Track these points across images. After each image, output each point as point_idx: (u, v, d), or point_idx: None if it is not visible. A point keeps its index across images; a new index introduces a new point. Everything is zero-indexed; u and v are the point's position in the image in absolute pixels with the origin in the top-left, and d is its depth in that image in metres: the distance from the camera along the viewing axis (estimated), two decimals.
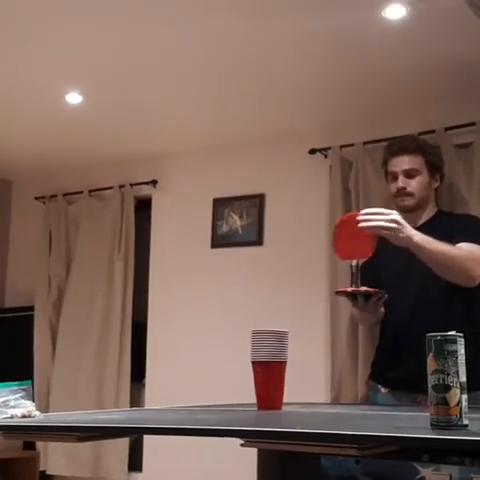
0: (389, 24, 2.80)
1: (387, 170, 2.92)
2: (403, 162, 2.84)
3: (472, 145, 3.36)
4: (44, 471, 4.21)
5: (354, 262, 2.57)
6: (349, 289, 2.60)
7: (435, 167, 2.90)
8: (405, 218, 2.88)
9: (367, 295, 2.59)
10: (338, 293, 2.73)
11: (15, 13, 2.78)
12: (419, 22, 2.78)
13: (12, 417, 1.63)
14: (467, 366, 1.31)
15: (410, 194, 2.83)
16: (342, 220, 2.69)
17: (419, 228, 2.85)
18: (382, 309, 2.78)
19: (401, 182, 2.82)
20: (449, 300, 2.72)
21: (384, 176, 2.96)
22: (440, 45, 2.97)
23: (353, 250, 2.56)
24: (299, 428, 1.24)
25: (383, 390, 2.77)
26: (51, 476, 4.30)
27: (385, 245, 2.75)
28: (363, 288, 2.58)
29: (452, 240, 2.60)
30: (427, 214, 2.89)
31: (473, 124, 3.33)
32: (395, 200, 2.90)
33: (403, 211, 2.88)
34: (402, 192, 2.83)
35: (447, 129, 3.38)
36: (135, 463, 4.15)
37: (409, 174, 2.83)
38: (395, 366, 2.75)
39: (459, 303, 2.73)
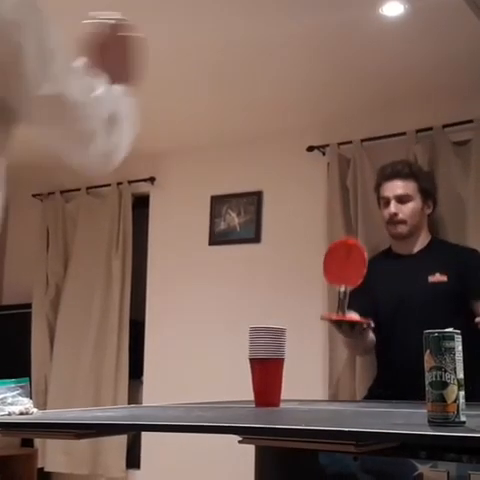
0: (387, 21, 2.80)
1: (379, 195, 2.91)
2: (396, 187, 2.83)
3: (469, 142, 3.37)
4: (42, 468, 4.21)
5: (343, 288, 2.54)
6: (334, 317, 2.59)
7: (428, 193, 2.89)
8: (399, 246, 2.89)
9: (352, 324, 2.57)
10: (323, 319, 2.72)
11: None
12: (417, 19, 2.78)
13: (10, 414, 1.63)
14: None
15: (402, 221, 2.82)
16: (334, 245, 2.71)
17: (414, 256, 2.85)
18: (372, 336, 2.77)
19: (393, 208, 2.81)
20: (445, 322, 2.70)
21: (376, 202, 2.95)
22: (438, 42, 2.97)
23: (343, 276, 2.55)
24: (303, 425, 1.24)
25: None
26: (49, 473, 4.30)
27: (379, 272, 2.75)
28: (348, 316, 2.56)
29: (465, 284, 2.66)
30: (421, 241, 2.89)
31: (471, 121, 3.33)
32: (388, 227, 2.89)
33: (396, 239, 2.89)
34: (394, 219, 2.82)
35: (445, 126, 3.38)
36: (133, 460, 4.15)
37: (401, 200, 2.82)
38: (392, 386, 2.72)
39: (466, 335, 2.72)
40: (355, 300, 2.61)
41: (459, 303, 2.75)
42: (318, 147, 3.77)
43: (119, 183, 4.42)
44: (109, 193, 4.45)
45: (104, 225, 4.40)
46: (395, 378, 2.77)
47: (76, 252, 4.48)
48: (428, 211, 2.92)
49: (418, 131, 3.44)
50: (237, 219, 4.08)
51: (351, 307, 2.71)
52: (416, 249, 2.88)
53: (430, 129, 3.41)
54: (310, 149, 3.78)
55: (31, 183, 4.76)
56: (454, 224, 3.27)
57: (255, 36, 2.96)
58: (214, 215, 4.15)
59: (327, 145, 3.75)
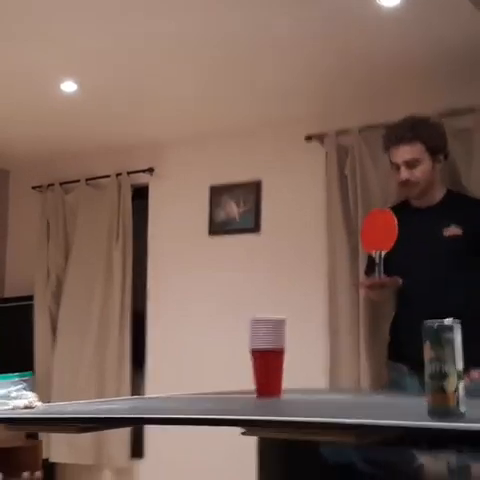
0: (384, 11, 2.79)
1: (389, 157, 2.91)
2: (403, 152, 2.82)
3: (470, 130, 3.35)
4: (47, 459, 4.24)
5: (378, 253, 2.69)
6: (366, 282, 2.81)
7: (437, 149, 2.87)
8: (414, 200, 2.93)
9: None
10: (356, 285, 2.85)
11: (9, 1, 2.77)
12: (414, 8, 2.78)
13: (14, 409, 1.65)
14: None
15: (415, 184, 2.84)
16: (373, 213, 2.88)
17: (432, 208, 2.87)
18: (399, 279, 2.80)
19: (404, 174, 2.82)
20: (465, 281, 2.74)
21: (389, 161, 2.95)
22: (435, 31, 2.96)
23: (376, 242, 2.71)
24: (305, 416, 1.25)
25: (405, 369, 2.78)
26: (54, 464, 4.33)
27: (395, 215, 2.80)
28: (381, 279, 2.69)
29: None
30: (437, 194, 2.90)
31: (469, 109, 3.32)
32: (400, 189, 2.93)
33: (411, 198, 2.91)
34: (406, 183, 2.85)
35: (443, 115, 3.38)
36: (137, 450, 4.18)
37: (411, 164, 2.82)
38: (410, 341, 2.75)
39: (476, 284, 2.77)
40: (372, 262, 2.77)
41: (475, 256, 2.77)
42: (317, 136, 3.77)
43: (118, 174, 4.42)
44: (108, 184, 4.45)
45: (104, 216, 4.40)
46: (411, 329, 2.81)
47: (76, 243, 4.49)
48: (439, 166, 2.90)
49: None
50: (236, 209, 4.08)
51: (371, 264, 2.87)
52: (433, 202, 2.90)
53: (428, 118, 3.40)
54: (308, 138, 3.78)
55: (31, 175, 4.76)
56: None
57: (253, 26, 2.96)
58: (213, 205, 4.15)
59: (325, 134, 3.74)
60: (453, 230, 2.78)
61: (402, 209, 2.93)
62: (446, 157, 2.95)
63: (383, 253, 2.67)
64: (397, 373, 2.84)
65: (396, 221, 2.70)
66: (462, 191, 3.18)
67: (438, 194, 2.90)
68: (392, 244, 2.66)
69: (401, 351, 2.85)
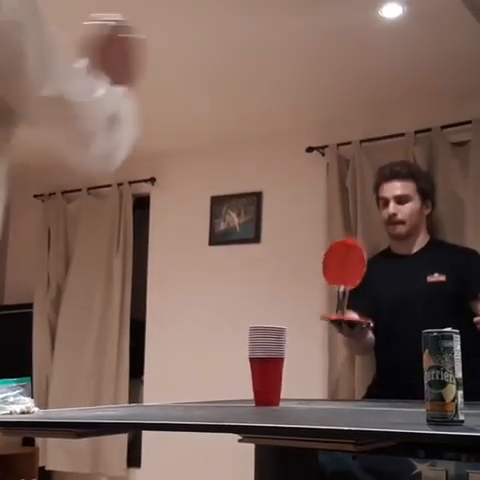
0: (386, 23, 2.81)
1: (378, 195, 2.92)
2: (394, 188, 2.84)
3: (468, 143, 3.38)
4: (43, 467, 4.23)
5: (342, 288, 2.56)
6: (333, 317, 2.61)
7: (426, 193, 2.90)
8: (398, 246, 2.90)
9: (352, 323, 2.58)
10: (323, 319, 2.72)
11: None
12: (416, 21, 2.80)
13: (11, 413, 1.64)
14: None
15: (401, 222, 2.84)
16: (333, 245, 2.73)
17: (413, 256, 2.87)
18: (371, 336, 2.78)
19: (392, 209, 2.83)
20: (443, 322, 2.71)
21: (375, 202, 2.96)
22: (436, 44, 2.98)
23: (342, 276, 2.57)
24: (303, 424, 1.25)
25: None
26: (50, 472, 4.31)
27: (379, 272, 2.76)
28: (347, 316, 2.57)
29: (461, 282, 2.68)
30: (420, 242, 2.90)
31: (469, 122, 3.34)
32: (387, 227, 2.91)
33: (395, 239, 2.90)
34: (393, 219, 2.84)
35: (443, 127, 3.40)
36: (134, 459, 4.17)
37: (400, 200, 2.83)
38: (391, 387, 2.72)
39: (460, 329, 2.74)
40: (355, 300, 2.63)
41: (458, 303, 2.75)
42: (317, 148, 3.78)
43: (120, 184, 4.43)
44: (110, 194, 4.46)
45: (105, 225, 4.41)
46: (394, 378, 2.78)
47: (77, 252, 4.49)
48: (427, 211, 2.93)
49: (417, 132, 3.45)
50: (237, 219, 4.09)
51: (351, 307, 2.74)
52: (415, 249, 2.89)
53: (429, 130, 3.42)
54: (309, 150, 3.79)
55: (32, 184, 4.77)
56: (453, 225, 3.28)
57: (255, 38, 2.97)
58: (214, 215, 4.16)
59: (326, 146, 3.76)
60: (437, 277, 2.78)
61: (385, 257, 2.94)
62: (433, 207, 2.95)
63: (347, 289, 2.54)
64: None
65: (365, 254, 2.59)
66: (457, 205, 3.19)
67: (422, 241, 2.91)
68: (358, 281, 2.52)
69: (380, 395, 2.78)
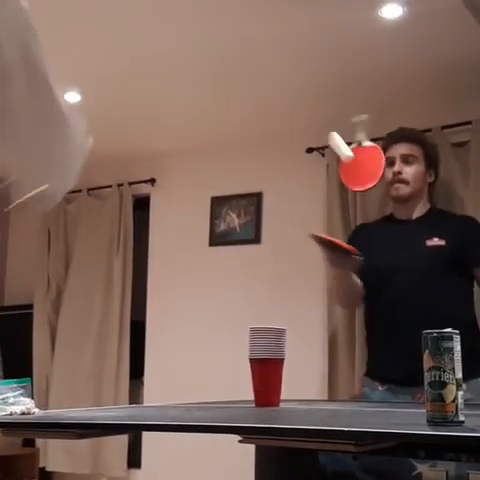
0: (386, 23, 2.81)
1: (386, 155, 2.93)
2: (401, 148, 2.87)
3: (468, 144, 3.38)
4: (44, 468, 4.23)
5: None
6: (327, 237, 2.61)
7: (432, 160, 2.92)
8: (399, 210, 2.93)
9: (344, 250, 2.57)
10: (313, 237, 2.62)
11: None
12: (416, 21, 2.80)
13: (11, 414, 1.64)
14: (468, 354, 1.32)
15: (405, 181, 2.85)
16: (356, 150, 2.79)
17: (413, 221, 2.89)
18: (359, 281, 2.77)
19: (398, 166, 2.85)
20: (447, 292, 2.73)
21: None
22: (436, 44, 2.98)
23: (361, 179, 2.67)
24: (303, 425, 1.25)
25: (380, 388, 2.76)
26: (51, 473, 4.31)
27: (378, 235, 2.80)
28: (339, 241, 2.62)
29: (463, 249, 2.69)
30: (421, 208, 2.91)
31: (469, 123, 3.34)
32: (390, 188, 2.91)
33: (397, 201, 2.92)
34: (398, 177, 2.85)
35: (443, 128, 3.40)
36: (134, 460, 4.17)
37: (406, 160, 2.86)
38: (392, 362, 2.73)
39: (458, 295, 2.76)
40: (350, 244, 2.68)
41: (457, 268, 2.75)
42: (317, 148, 3.78)
43: (120, 184, 4.43)
44: (110, 194, 4.46)
45: (105, 226, 4.41)
46: (386, 337, 2.76)
47: (77, 253, 4.49)
48: (430, 179, 2.93)
49: None
50: (237, 220, 4.09)
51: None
52: (415, 215, 2.90)
53: (429, 130, 3.42)
54: (309, 150, 3.79)
55: None
56: None
57: (255, 38, 2.98)
58: (214, 216, 4.16)
59: (326, 146, 3.75)
60: (436, 241, 2.78)
61: (386, 221, 2.96)
62: (436, 177, 2.97)
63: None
64: (370, 389, 2.79)
65: (382, 154, 2.74)
66: (458, 205, 3.20)
67: (423, 208, 2.92)
68: (378, 177, 2.66)
69: (377, 370, 2.80)
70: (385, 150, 2.92)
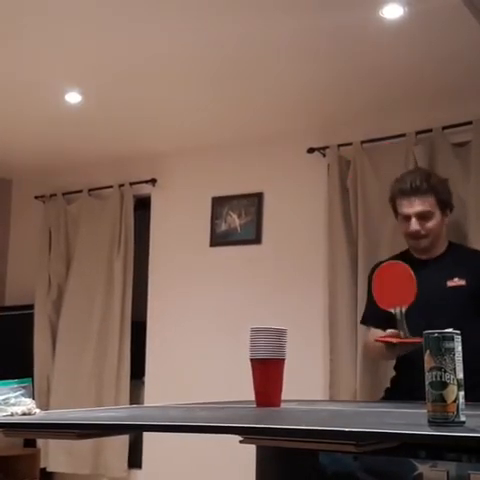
0: (387, 23, 2.81)
1: (397, 209, 2.86)
2: (416, 204, 2.78)
3: (469, 144, 3.38)
4: (44, 468, 4.23)
5: (398, 310, 2.56)
6: (394, 340, 2.56)
7: (446, 203, 2.86)
8: (418, 252, 2.88)
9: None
10: (381, 342, 2.61)
11: (14, 12, 2.79)
12: (416, 22, 2.80)
13: (12, 415, 1.64)
14: None
15: (425, 236, 2.80)
16: (384, 267, 2.73)
17: (435, 261, 2.85)
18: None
19: (416, 225, 2.78)
20: (463, 327, 2.71)
21: (392, 210, 2.90)
22: (437, 44, 2.98)
23: (396, 297, 2.57)
24: (304, 425, 1.25)
25: None
26: (51, 473, 4.32)
27: None
28: (412, 339, 2.51)
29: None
30: (440, 247, 2.88)
31: (470, 123, 3.34)
32: (409, 241, 2.87)
33: (417, 251, 2.88)
34: (417, 235, 2.81)
35: (444, 128, 3.40)
36: (135, 460, 4.17)
37: (423, 216, 2.78)
38: (414, 390, 2.71)
39: (472, 329, 2.72)
40: (375, 309, 2.66)
41: (477, 307, 2.74)
42: (318, 149, 3.78)
43: (121, 185, 4.43)
44: (111, 195, 4.46)
45: (106, 226, 4.41)
46: (412, 381, 2.75)
47: (78, 253, 4.49)
48: (447, 220, 2.89)
49: (418, 133, 3.45)
50: (238, 220, 4.09)
51: (373, 316, 2.79)
52: (435, 254, 2.88)
53: (430, 131, 3.42)
54: (310, 151, 3.79)
55: (33, 185, 4.78)
56: (455, 225, 3.27)
57: (255, 39, 2.98)
58: (215, 216, 4.16)
59: (327, 147, 3.76)
60: (457, 281, 2.77)
61: (404, 260, 2.91)
62: (451, 211, 2.92)
63: (404, 309, 2.55)
64: None
65: (413, 273, 2.60)
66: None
67: (441, 247, 2.88)
68: (413, 298, 2.55)
69: (398, 394, 2.77)
70: (394, 199, 2.86)
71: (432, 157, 3.40)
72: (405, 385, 2.81)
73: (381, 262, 2.95)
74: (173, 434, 1.45)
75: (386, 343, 2.60)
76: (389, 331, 2.62)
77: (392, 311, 2.57)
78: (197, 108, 3.73)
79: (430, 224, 2.80)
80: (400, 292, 2.59)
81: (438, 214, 2.82)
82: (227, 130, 4.00)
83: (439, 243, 2.88)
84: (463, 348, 2.65)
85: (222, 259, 4.11)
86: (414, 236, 2.82)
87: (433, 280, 2.77)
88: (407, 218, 2.81)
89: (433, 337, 1.31)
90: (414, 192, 2.79)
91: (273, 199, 4.03)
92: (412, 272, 2.58)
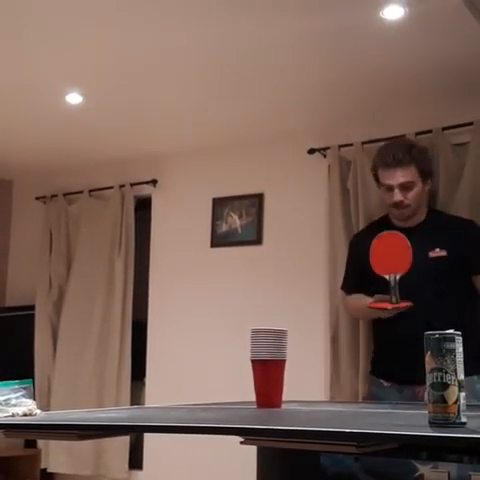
0: (387, 24, 2.81)
1: (379, 179, 2.97)
2: (398, 176, 2.90)
3: (469, 144, 3.37)
4: (45, 469, 4.23)
5: (392, 276, 2.69)
6: (389, 306, 2.72)
7: (427, 172, 2.98)
8: (397, 221, 2.97)
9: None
10: (374, 308, 2.80)
11: (15, 13, 2.79)
12: (417, 22, 2.79)
13: (13, 415, 1.65)
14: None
15: (407, 206, 2.90)
16: (382, 236, 2.85)
17: (415, 229, 2.92)
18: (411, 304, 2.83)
19: (399, 195, 2.90)
20: (444, 297, 2.79)
21: (373, 178, 3.01)
22: (438, 45, 2.98)
23: (391, 264, 2.71)
24: (304, 426, 1.25)
25: (385, 384, 2.86)
26: (52, 474, 4.31)
27: (374, 236, 2.84)
28: (402, 304, 2.68)
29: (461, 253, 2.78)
30: (421, 214, 2.99)
31: (470, 124, 3.34)
32: (392, 210, 2.99)
33: (400, 220, 2.96)
34: (400, 205, 2.90)
35: (444, 129, 3.39)
36: (136, 461, 4.17)
37: (405, 186, 2.89)
38: (395, 360, 2.82)
39: (453, 299, 2.84)
40: (354, 277, 2.93)
41: (459, 276, 2.85)
42: (319, 149, 3.78)
43: (121, 185, 4.43)
44: (112, 195, 4.46)
45: (107, 227, 4.41)
46: (391, 337, 2.87)
47: (79, 254, 4.49)
48: (428, 187, 3.00)
49: (418, 133, 3.44)
50: (239, 221, 4.09)
51: (353, 285, 3.00)
52: (415, 222, 2.94)
53: (430, 132, 3.42)
54: (311, 151, 3.79)
55: (34, 186, 4.78)
56: None
57: (256, 40, 2.97)
58: (216, 217, 4.16)
59: (328, 147, 3.76)
60: (438, 252, 2.86)
61: (384, 227, 2.97)
62: (432, 179, 3.03)
63: (398, 276, 2.69)
64: (377, 387, 2.93)
65: (409, 243, 2.74)
66: (454, 206, 3.21)
67: (422, 214, 2.97)
68: (409, 266, 2.68)
69: (384, 369, 2.93)
70: (376, 169, 2.96)
71: (432, 158, 3.40)
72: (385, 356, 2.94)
73: (360, 232, 3.23)
74: (174, 435, 1.46)
75: (379, 309, 2.76)
76: (377, 296, 2.79)
77: (386, 277, 2.72)
78: (198, 109, 3.73)
79: (412, 193, 2.91)
80: (396, 260, 2.72)
81: (419, 183, 2.93)
82: (228, 131, 4.00)
83: (420, 210, 2.98)
84: (443, 318, 2.74)
85: (223, 260, 4.11)
86: (397, 205, 2.92)
87: (415, 251, 2.82)
88: (390, 189, 2.92)
89: (434, 338, 1.31)
90: (396, 164, 2.90)
91: (274, 200, 4.03)
92: (409, 243, 2.72)
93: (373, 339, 3.14)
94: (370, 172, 3.53)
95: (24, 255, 4.82)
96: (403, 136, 3.48)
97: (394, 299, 2.69)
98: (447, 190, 3.31)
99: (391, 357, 2.90)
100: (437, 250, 2.85)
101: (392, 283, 2.69)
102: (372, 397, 2.94)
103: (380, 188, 3.02)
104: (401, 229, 2.92)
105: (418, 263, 2.79)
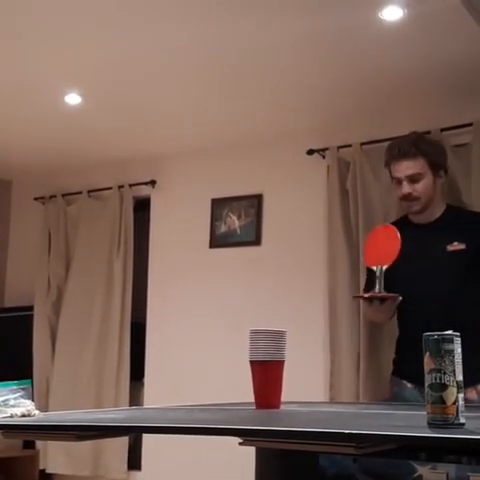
0: (386, 25, 2.81)
1: (390, 172, 2.95)
2: (405, 167, 2.86)
3: (468, 145, 3.37)
4: (44, 470, 4.22)
5: (379, 267, 2.69)
6: (366, 295, 2.73)
7: (438, 165, 2.92)
8: (415, 217, 2.96)
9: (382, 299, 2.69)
10: (356, 297, 2.88)
11: (14, 13, 2.79)
12: (416, 24, 2.80)
13: (12, 416, 1.64)
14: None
15: (416, 198, 2.87)
16: (376, 229, 2.89)
17: (433, 224, 2.90)
18: (399, 296, 2.82)
19: (406, 188, 2.86)
20: (468, 296, 2.77)
21: (389, 175, 2.99)
22: (437, 46, 2.98)
23: (379, 257, 2.71)
24: (303, 427, 1.25)
25: (409, 385, 2.82)
26: (51, 475, 4.31)
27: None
28: (381, 293, 2.66)
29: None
30: (437, 210, 2.93)
31: (470, 125, 3.34)
32: (402, 203, 2.96)
33: (411, 213, 2.94)
34: (409, 197, 2.87)
35: (443, 130, 3.39)
36: (134, 461, 4.16)
37: (413, 179, 2.86)
38: (416, 361, 2.79)
39: (472, 292, 2.79)
40: (369, 280, 2.83)
41: (477, 271, 2.79)
42: (318, 150, 3.78)
43: (120, 186, 4.43)
44: (110, 196, 4.46)
45: (105, 228, 4.41)
46: (414, 337, 2.83)
47: (78, 255, 4.49)
48: (440, 181, 2.94)
49: None
50: (237, 222, 4.09)
51: (366, 287, 2.92)
52: (433, 218, 2.92)
53: (429, 132, 3.42)
54: (310, 152, 3.79)
55: (33, 186, 4.78)
56: None
57: (255, 41, 2.97)
58: (215, 218, 4.16)
59: (327, 148, 3.76)
60: (457, 245, 2.81)
61: (403, 225, 2.94)
62: (446, 172, 2.98)
63: (384, 267, 2.68)
64: (398, 388, 2.87)
65: (399, 235, 2.72)
66: (462, 206, 3.20)
67: (438, 210, 2.93)
68: (394, 258, 2.67)
69: (404, 369, 2.89)
70: (388, 164, 2.93)
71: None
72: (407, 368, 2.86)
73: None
74: (173, 436, 1.45)
75: (360, 299, 2.82)
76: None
77: (374, 268, 2.72)
78: (197, 109, 3.73)
79: (420, 186, 2.86)
80: (384, 251, 2.72)
81: (429, 176, 2.88)
82: (227, 131, 4.00)
83: (434, 205, 2.92)
84: (461, 313, 2.71)
85: (222, 261, 4.11)
86: (406, 198, 2.89)
87: (433, 245, 2.81)
88: (399, 181, 2.90)
89: (433, 339, 1.31)
90: (402, 156, 2.87)
91: (273, 200, 4.03)
92: (398, 234, 2.71)
93: (396, 341, 3.07)
94: (369, 172, 3.55)
95: (23, 255, 4.82)
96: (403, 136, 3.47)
97: (377, 289, 2.67)
98: (448, 191, 3.30)
99: (412, 357, 2.85)
100: (455, 243, 2.80)
101: (377, 273, 2.68)
102: (394, 398, 2.89)
103: (392, 183, 2.98)
104: (419, 225, 2.91)
105: (436, 257, 2.78)
